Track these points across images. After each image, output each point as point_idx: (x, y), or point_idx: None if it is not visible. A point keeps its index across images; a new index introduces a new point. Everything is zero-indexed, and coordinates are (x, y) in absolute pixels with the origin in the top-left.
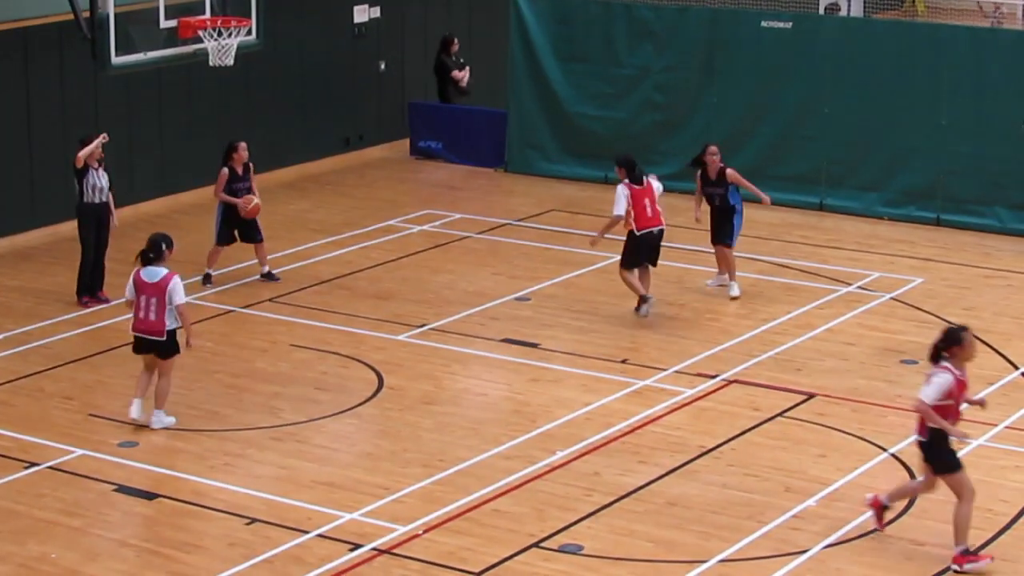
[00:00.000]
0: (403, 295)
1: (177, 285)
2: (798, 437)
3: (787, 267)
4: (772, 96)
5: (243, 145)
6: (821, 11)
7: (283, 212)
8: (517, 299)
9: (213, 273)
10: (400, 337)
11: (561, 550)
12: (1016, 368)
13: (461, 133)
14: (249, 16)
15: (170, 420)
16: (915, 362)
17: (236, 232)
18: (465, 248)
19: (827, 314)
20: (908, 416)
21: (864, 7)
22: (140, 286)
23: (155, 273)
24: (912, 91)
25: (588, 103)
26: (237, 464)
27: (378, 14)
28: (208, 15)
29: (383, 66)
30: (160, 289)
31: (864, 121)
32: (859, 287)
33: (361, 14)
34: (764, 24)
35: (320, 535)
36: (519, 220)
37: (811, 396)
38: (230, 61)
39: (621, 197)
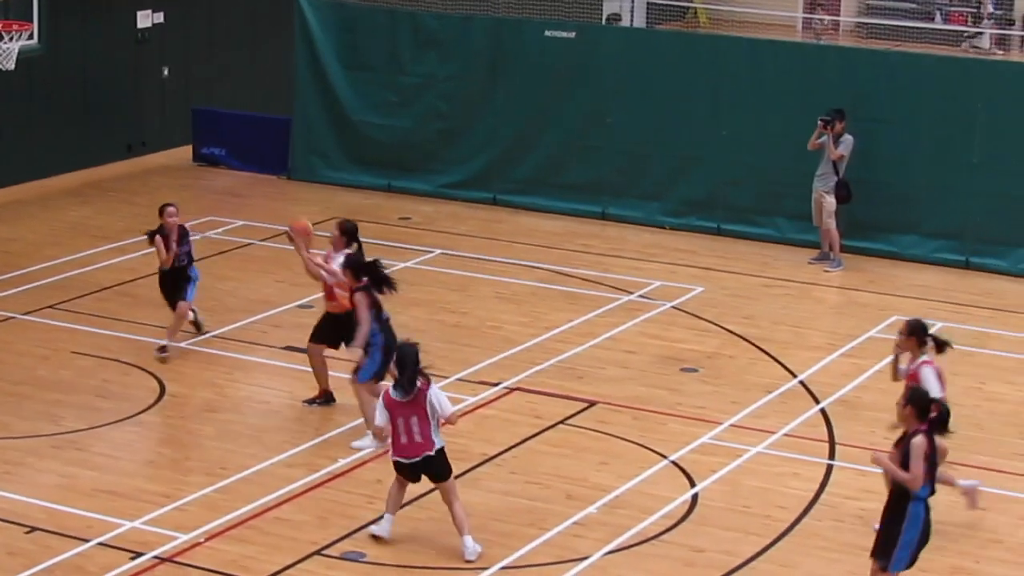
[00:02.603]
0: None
1: (437, 395)
2: (580, 445)
3: (569, 275)
4: (556, 105)
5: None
6: (604, 21)
7: (65, 219)
8: (300, 306)
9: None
10: (182, 344)
11: (344, 557)
12: (794, 376)
13: (245, 140)
14: (31, 20)
15: (478, 548)
16: (695, 370)
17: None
18: (248, 255)
19: (609, 322)
20: (688, 424)
21: (647, 18)
22: (392, 407)
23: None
24: (693, 102)
25: (372, 111)
26: (17, 472)
27: (161, 19)
28: None
29: (166, 72)
30: (421, 405)
31: (646, 131)
32: (640, 296)
33: (144, 19)
34: (548, 34)
35: (101, 543)
36: None
37: (592, 404)
38: (11, 65)
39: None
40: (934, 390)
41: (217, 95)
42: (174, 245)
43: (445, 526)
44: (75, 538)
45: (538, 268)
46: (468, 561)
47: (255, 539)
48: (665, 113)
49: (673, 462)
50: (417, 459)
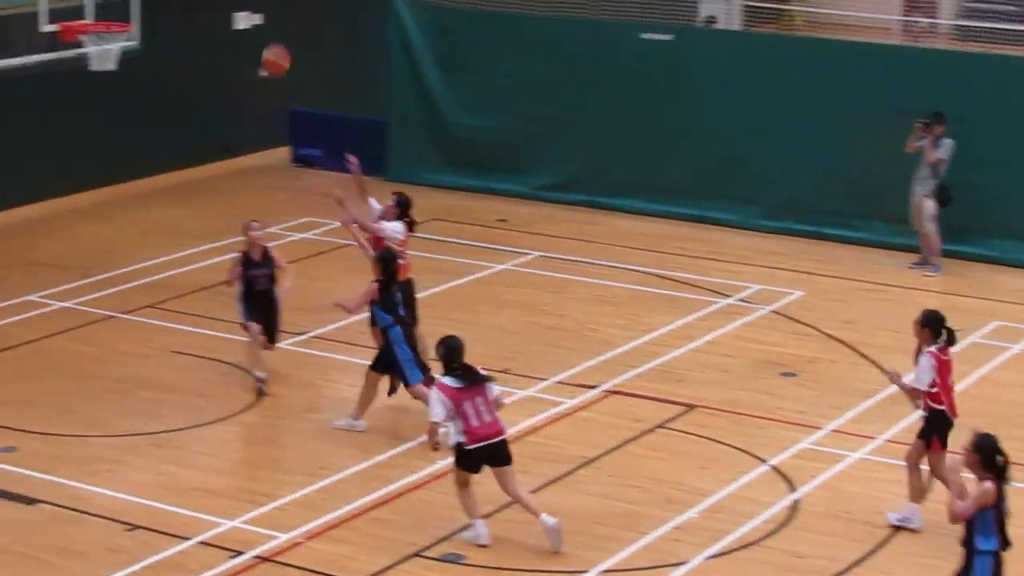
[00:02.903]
0: (285, 303)
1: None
2: (678, 448)
3: (667, 278)
4: (652, 107)
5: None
6: (700, 23)
7: (163, 218)
8: None
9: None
10: (282, 345)
11: (442, 559)
12: None
13: (342, 141)
14: (130, 21)
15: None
16: (794, 374)
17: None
18: (346, 256)
19: (707, 326)
20: (788, 428)
21: (743, 20)
22: (459, 394)
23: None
24: (790, 104)
25: (469, 113)
26: (117, 470)
27: (260, 21)
28: (90, 19)
29: (264, 73)
30: (482, 386)
31: (743, 133)
32: (739, 299)
33: (243, 20)
34: (644, 36)
35: (201, 542)
36: None
37: (691, 407)
38: (112, 66)
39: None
40: (924, 380)
41: (314, 96)
42: (239, 268)
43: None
44: (175, 536)
45: (636, 271)
46: (550, 527)
47: (354, 539)
48: (762, 115)
49: (773, 467)
50: (494, 440)
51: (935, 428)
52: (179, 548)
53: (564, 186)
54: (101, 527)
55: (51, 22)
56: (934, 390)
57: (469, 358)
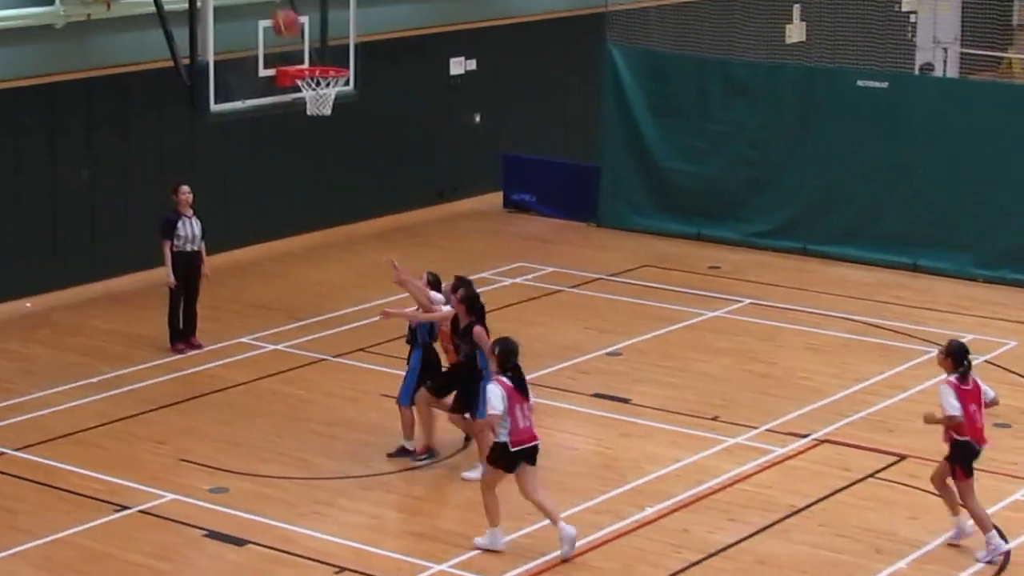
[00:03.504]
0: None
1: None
2: (889, 498)
3: (880, 327)
4: (866, 155)
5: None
6: (916, 71)
7: (375, 262)
8: (608, 354)
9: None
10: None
11: None
12: None
13: (554, 186)
14: (347, 66)
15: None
16: (1008, 425)
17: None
18: (557, 302)
19: (920, 375)
20: (1001, 480)
21: (960, 68)
22: (514, 395)
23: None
24: (1008, 152)
25: (681, 158)
26: (326, 512)
27: (474, 66)
28: (306, 64)
29: (478, 118)
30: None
31: (959, 182)
32: None
33: (457, 66)
34: (860, 83)
35: None
36: (611, 275)
37: (902, 457)
38: (328, 111)
39: None
40: (952, 406)
41: (526, 141)
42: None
43: None
44: None
45: (848, 319)
46: (567, 536)
47: None
48: (978, 164)
49: None
50: (534, 444)
51: (958, 458)
52: None
53: (777, 233)
54: (309, 569)
55: (268, 67)
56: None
57: (679, 404)
